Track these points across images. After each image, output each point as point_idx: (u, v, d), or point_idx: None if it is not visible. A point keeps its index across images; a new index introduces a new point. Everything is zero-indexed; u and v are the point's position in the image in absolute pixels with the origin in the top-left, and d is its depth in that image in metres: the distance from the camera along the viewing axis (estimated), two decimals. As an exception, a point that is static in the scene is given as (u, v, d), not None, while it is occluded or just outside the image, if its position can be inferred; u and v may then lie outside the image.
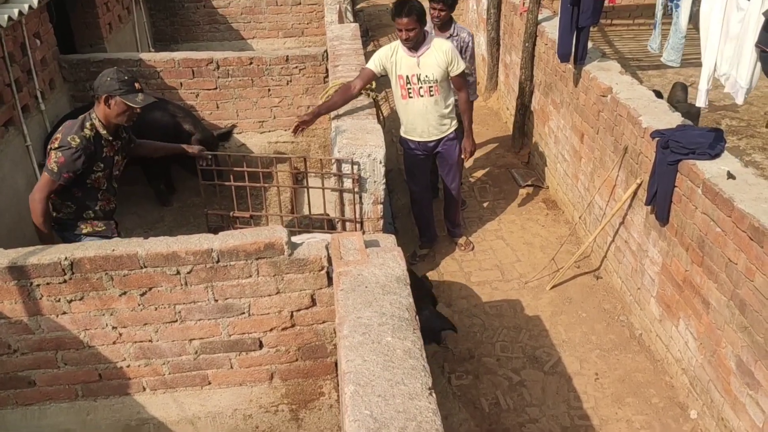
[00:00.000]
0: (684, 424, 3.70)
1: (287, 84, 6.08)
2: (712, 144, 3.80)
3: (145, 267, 2.80)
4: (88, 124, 3.48)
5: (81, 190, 3.56)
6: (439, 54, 4.62)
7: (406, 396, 2.05)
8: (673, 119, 4.25)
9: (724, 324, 3.40)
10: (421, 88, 4.69)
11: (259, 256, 2.85)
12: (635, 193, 4.36)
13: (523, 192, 6.17)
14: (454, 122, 4.95)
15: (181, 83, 5.99)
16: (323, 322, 3.04)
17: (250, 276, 2.89)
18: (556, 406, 3.83)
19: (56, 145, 3.41)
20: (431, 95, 4.72)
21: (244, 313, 2.95)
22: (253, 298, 2.94)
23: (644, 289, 4.32)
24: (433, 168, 5.35)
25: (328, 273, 2.93)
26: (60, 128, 3.52)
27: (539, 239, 5.47)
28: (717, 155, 3.76)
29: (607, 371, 4.08)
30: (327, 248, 2.90)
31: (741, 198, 3.33)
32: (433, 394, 2.09)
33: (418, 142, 4.94)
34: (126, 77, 3.49)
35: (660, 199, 3.95)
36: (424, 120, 4.82)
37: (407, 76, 4.67)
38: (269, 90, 6.09)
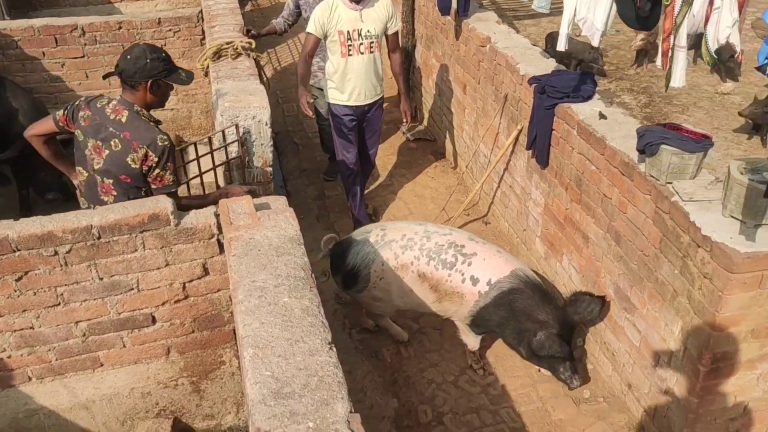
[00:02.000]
0: (573, 352, 3.94)
1: (162, 47, 5.77)
2: (585, 87, 3.99)
3: (19, 250, 2.62)
4: (144, 115, 3.03)
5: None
6: (380, 8, 4.53)
7: (307, 353, 2.05)
8: (548, 65, 4.41)
9: (602, 255, 3.63)
10: (361, 44, 4.52)
11: (143, 228, 2.73)
12: (517, 138, 4.52)
13: (411, 146, 6.25)
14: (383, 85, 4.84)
15: (43, 53, 5.55)
16: (218, 291, 2.98)
17: (136, 250, 2.77)
18: (454, 349, 3.98)
19: (156, 159, 2.97)
20: (371, 52, 4.57)
21: (132, 289, 2.84)
22: (141, 273, 2.82)
23: (529, 230, 4.52)
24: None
25: (218, 240, 2.85)
26: (126, 141, 2.96)
27: (429, 191, 5.58)
28: (589, 97, 3.96)
29: (500, 311, 4.26)
30: (215, 215, 2.83)
31: (612, 136, 3.53)
32: (334, 348, 2.11)
33: (354, 106, 4.70)
34: (163, 54, 3.05)
35: (539, 142, 4.12)
36: (364, 79, 4.62)
37: (348, 32, 4.48)
38: (142, 55, 5.76)
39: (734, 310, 2.83)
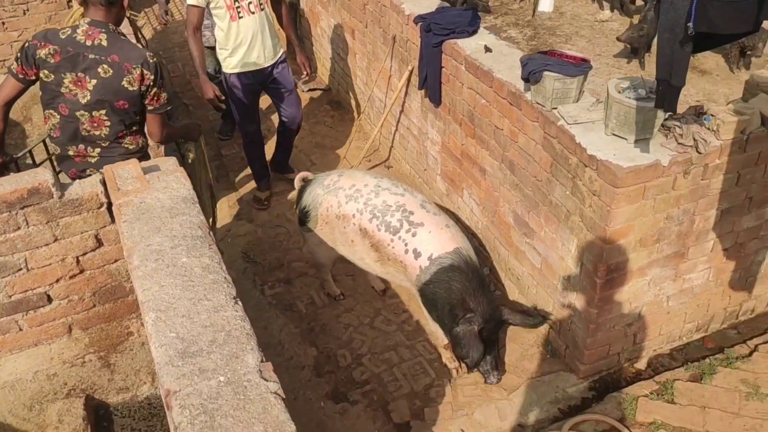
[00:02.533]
0: (481, 282, 4.08)
1: (24, 14, 5.37)
2: (469, 22, 4.03)
3: None
4: (121, 34, 2.98)
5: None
6: None
7: (211, 310, 2.02)
8: (432, 3, 4.41)
9: (499, 185, 3.74)
10: (250, 3, 4.23)
11: (24, 204, 2.56)
12: (409, 79, 4.53)
13: (306, 97, 6.15)
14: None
15: None
16: (115, 261, 2.86)
17: (19, 228, 2.60)
18: (367, 292, 4.04)
19: (152, 77, 2.95)
20: (262, 9, 4.30)
21: (21, 269, 2.68)
22: (28, 251, 2.66)
23: (430, 170, 4.59)
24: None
25: (109, 209, 2.73)
26: (117, 65, 2.89)
27: (329, 140, 5.54)
28: (474, 32, 4.01)
29: (409, 251, 4.34)
30: (102, 182, 2.69)
31: (498, 68, 3.60)
32: (239, 303, 2.08)
33: (254, 72, 4.40)
34: None
35: (430, 81, 4.15)
36: (261, 39, 4.32)
37: None
38: (3, 23, 5.35)
39: (622, 223, 3.00)
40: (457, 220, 4.33)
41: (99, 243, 2.78)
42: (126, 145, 3.16)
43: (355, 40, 5.35)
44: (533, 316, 3.46)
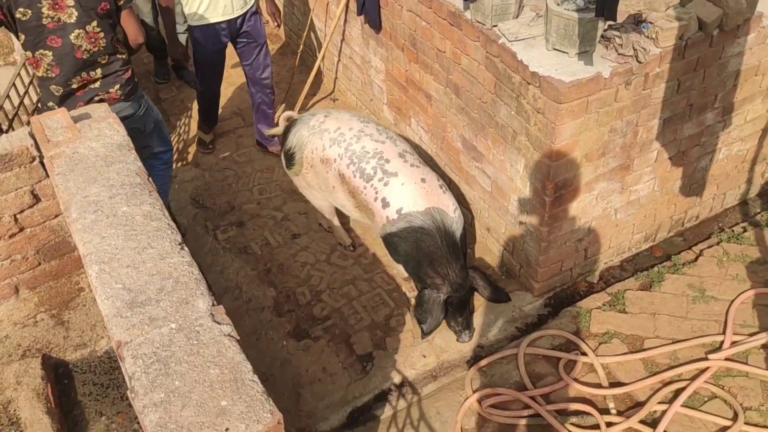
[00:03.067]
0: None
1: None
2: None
3: None
4: None
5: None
6: None
7: (157, 258, 1.97)
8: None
9: (445, 110, 3.70)
10: None
11: (-52, 164, 2.44)
12: (347, 5, 4.39)
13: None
14: None
15: None
16: (56, 217, 2.76)
17: (-54, 190, 2.48)
18: (321, 229, 4.02)
19: None
20: None
21: (-46, 232, 2.57)
22: (-41, 214, 2.55)
23: (376, 99, 4.52)
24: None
25: (42, 162, 2.61)
26: None
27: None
28: (410, -48, 3.86)
29: (361, 184, 4.31)
30: (31, 135, 2.57)
31: (437, -11, 3.50)
32: (185, 248, 2.04)
33: (222, 23, 4.05)
34: None
35: (369, 6, 4.03)
36: None
37: None
38: None
39: (567, 139, 3.01)
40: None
41: (36, 199, 2.68)
42: (120, 56, 3.24)
43: (290, -31, 5.14)
44: (499, 292, 3.35)
